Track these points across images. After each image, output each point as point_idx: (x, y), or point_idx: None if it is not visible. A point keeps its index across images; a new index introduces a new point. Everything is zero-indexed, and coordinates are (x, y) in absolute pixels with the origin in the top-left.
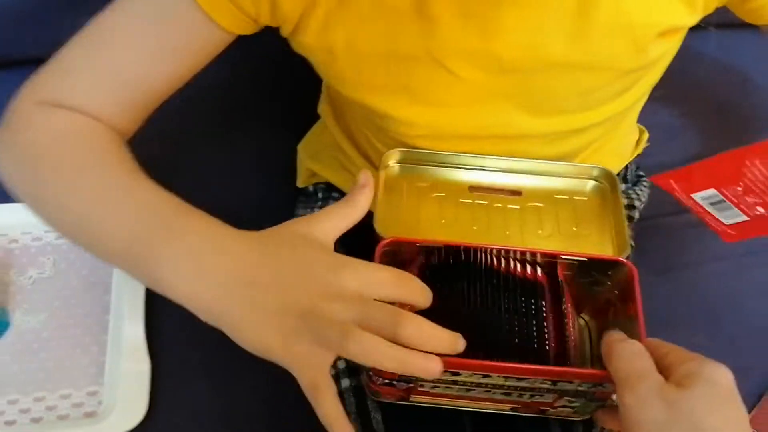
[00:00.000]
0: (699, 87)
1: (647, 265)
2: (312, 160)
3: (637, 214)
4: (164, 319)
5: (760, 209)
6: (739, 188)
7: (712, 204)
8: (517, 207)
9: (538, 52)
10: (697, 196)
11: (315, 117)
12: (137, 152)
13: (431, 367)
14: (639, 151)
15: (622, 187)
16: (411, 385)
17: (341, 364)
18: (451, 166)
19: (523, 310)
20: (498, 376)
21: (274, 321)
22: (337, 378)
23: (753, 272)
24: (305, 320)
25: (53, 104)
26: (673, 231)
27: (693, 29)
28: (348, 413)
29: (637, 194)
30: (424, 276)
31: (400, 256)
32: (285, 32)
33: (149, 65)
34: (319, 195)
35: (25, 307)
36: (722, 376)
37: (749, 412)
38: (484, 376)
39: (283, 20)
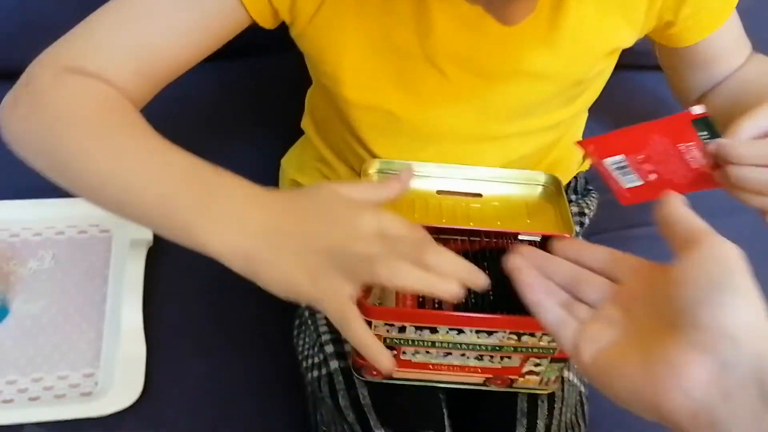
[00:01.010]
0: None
1: None
2: (296, 172)
3: (587, 221)
4: (161, 306)
5: (653, 176)
6: (641, 156)
7: (617, 168)
8: (479, 205)
9: (517, 61)
10: (608, 161)
11: (296, 134)
12: None
13: (452, 288)
14: (585, 167)
15: (573, 197)
16: (395, 351)
17: (329, 349)
18: (421, 175)
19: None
20: (470, 332)
21: (300, 262)
22: (325, 361)
23: None
24: (331, 258)
25: (75, 70)
26: (622, 243)
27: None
28: (337, 391)
29: (587, 203)
30: None
31: None
32: (295, 30)
33: (176, 39)
34: None
35: (25, 295)
36: None
37: None
38: (459, 333)
39: (296, 16)
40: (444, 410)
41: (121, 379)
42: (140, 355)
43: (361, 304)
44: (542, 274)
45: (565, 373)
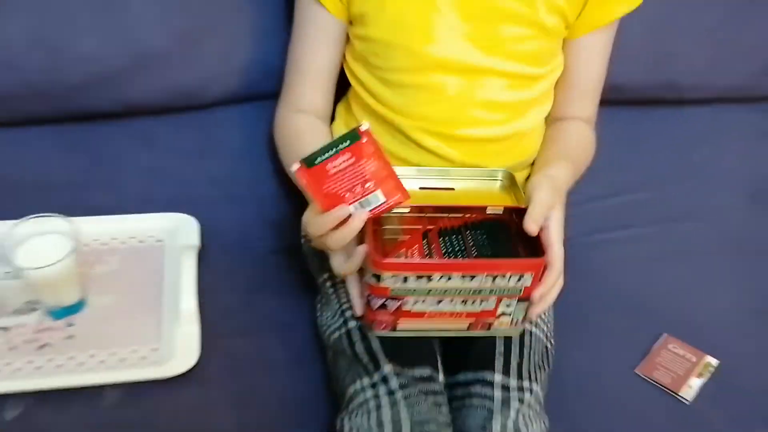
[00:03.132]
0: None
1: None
2: None
3: None
4: (208, 299)
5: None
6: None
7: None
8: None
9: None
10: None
11: None
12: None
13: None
14: None
15: None
16: (399, 302)
17: (348, 314)
18: (406, 177)
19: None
20: (457, 277)
21: None
22: (345, 323)
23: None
24: None
25: (294, 110)
26: (584, 248)
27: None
28: (354, 343)
29: None
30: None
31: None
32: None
33: (320, 56)
34: None
35: (97, 290)
36: None
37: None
38: (448, 279)
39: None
40: (437, 354)
41: (181, 350)
42: (195, 333)
43: (374, 259)
44: None
45: (532, 328)
